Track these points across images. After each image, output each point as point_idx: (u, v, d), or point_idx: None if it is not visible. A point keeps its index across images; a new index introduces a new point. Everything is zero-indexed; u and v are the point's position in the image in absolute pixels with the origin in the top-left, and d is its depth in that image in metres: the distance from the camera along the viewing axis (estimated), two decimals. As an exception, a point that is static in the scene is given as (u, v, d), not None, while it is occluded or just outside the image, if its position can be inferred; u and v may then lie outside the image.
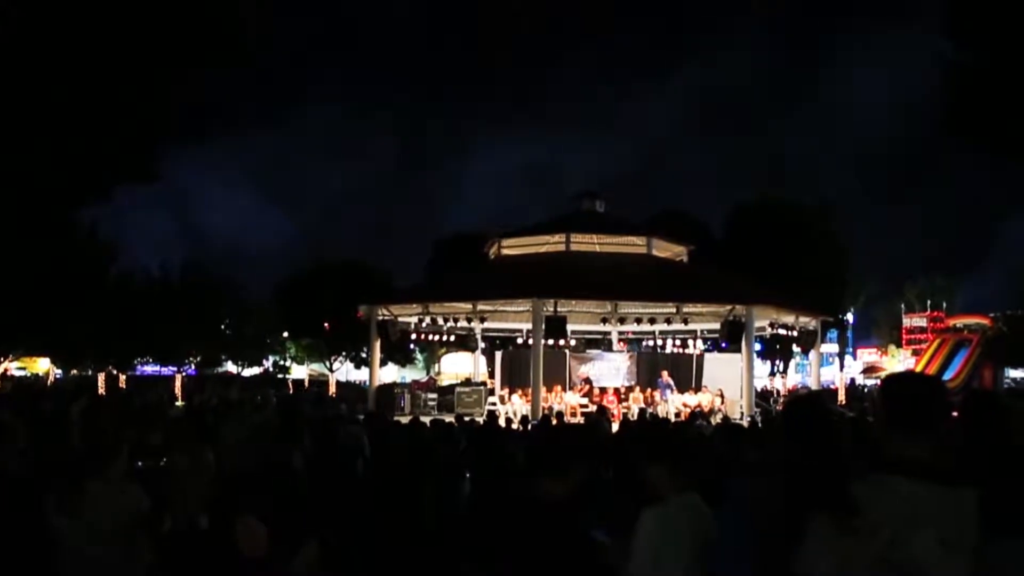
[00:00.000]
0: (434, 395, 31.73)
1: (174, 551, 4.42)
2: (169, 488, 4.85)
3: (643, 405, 27.40)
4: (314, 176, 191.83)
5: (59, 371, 56.25)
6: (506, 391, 29.55)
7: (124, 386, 44.63)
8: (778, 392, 38.14)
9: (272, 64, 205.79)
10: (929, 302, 63.80)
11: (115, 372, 50.89)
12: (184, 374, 52.36)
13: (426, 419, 13.83)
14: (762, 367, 50.14)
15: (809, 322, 31.49)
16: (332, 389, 51.17)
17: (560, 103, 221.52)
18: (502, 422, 19.14)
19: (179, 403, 28.19)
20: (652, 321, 30.45)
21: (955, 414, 4.42)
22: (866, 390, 49.11)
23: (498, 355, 34.45)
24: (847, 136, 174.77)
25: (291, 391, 48.20)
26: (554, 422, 15.18)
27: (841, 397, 37.88)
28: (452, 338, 34.89)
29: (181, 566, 4.40)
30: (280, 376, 65.44)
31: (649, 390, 29.50)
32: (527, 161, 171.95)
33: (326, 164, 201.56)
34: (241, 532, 4.28)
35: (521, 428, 17.45)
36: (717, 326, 28.80)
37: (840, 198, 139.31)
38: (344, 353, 58.54)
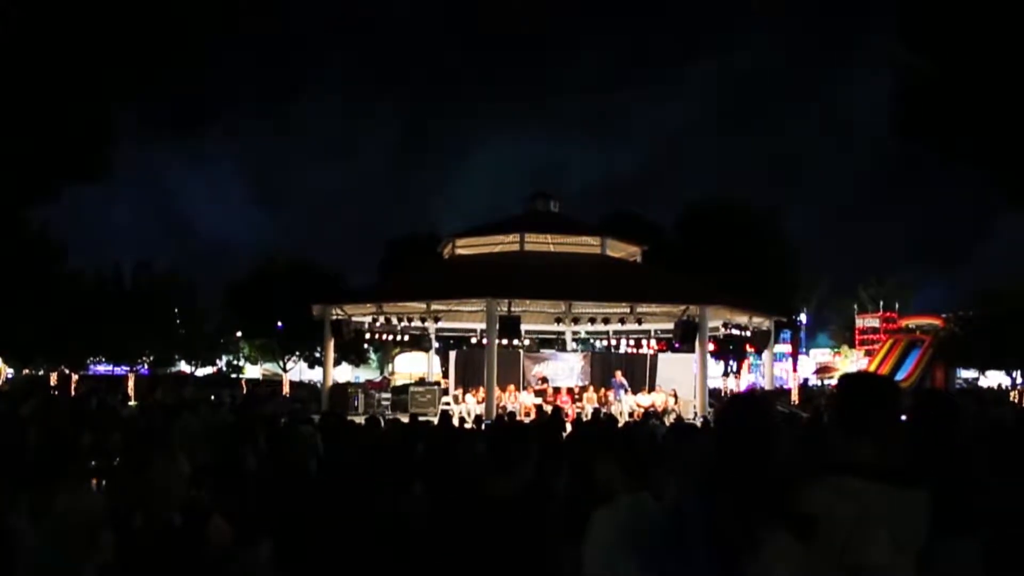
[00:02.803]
0: (388, 395, 31.78)
1: (142, 549, 4.42)
2: (142, 488, 4.85)
3: (597, 405, 27.46)
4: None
5: (11, 371, 55.49)
6: (460, 391, 29.50)
7: (76, 386, 44.08)
8: (731, 392, 38.36)
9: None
10: (882, 303, 64.34)
11: (67, 372, 50.32)
12: (137, 373, 51.84)
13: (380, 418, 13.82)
14: (716, 367, 50.45)
15: (762, 322, 31.72)
16: (286, 389, 50.88)
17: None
18: (455, 422, 19.13)
19: (132, 403, 27.84)
20: (606, 321, 30.61)
21: (908, 414, 4.49)
22: (816, 388, 49.50)
23: (452, 355, 34.50)
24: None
25: (246, 390, 47.94)
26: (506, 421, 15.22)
27: (794, 397, 38.17)
28: (406, 338, 34.85)
29: (148, 563, 4.40)
30: (234, 376, 64.93)
31: (603, 390, 29.58)
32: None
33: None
34: (212, 530, 4.34)
35: (475, 427, 17.45)
36: (671, 326, 28.93)
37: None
38: (298, 353, 58.26)
